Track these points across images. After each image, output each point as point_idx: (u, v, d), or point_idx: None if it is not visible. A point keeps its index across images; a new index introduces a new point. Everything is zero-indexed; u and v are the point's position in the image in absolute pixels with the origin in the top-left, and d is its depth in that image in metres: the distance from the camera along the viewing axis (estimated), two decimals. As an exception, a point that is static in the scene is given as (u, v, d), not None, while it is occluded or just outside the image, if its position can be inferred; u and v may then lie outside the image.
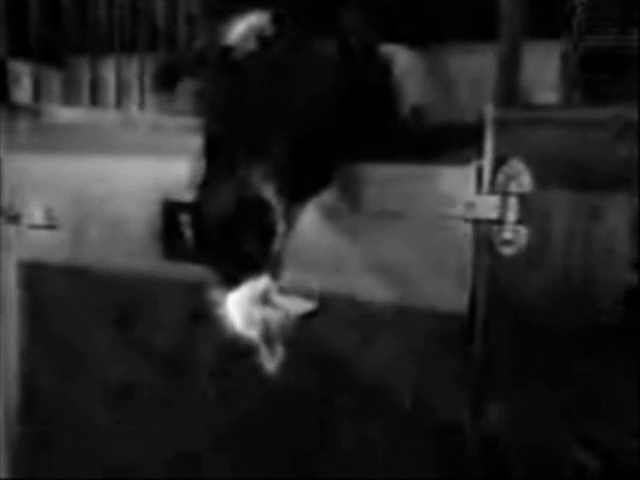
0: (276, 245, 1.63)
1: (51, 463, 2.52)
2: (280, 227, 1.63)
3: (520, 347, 1.79)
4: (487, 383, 1.83)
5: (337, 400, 2.02)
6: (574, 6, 1.88)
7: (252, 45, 1.83)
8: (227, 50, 1.85)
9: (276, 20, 1.86)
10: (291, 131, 1.73)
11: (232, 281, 1.62)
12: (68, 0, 2.94)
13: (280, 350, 1.64)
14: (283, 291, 1.64)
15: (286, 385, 2.04)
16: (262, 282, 1.63)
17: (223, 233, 1.59)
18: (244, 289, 1.62)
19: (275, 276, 1.66)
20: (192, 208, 1.63)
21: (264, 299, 1.62)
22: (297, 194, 1.73)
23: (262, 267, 1.62)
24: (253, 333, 1.63)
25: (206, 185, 1.63)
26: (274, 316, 1.62)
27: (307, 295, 1.67)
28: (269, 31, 1.85)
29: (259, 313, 1.62)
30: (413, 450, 1.93)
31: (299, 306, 1.64)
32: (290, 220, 1.70)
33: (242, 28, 1.86)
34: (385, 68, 2.09)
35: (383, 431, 1.97)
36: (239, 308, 1.62)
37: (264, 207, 1.60)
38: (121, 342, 2.34)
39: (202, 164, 1.66)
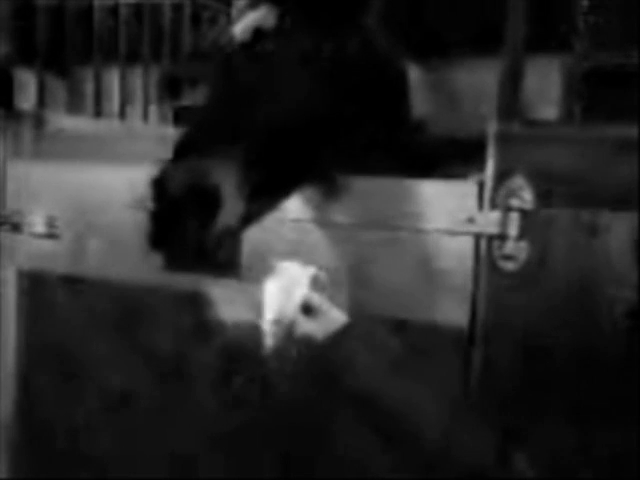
0: (226, 236, 1.62)
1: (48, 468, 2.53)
2: (228, 219, 1.60)
3: (519, 362, 1.79)
4: (485, 393, 1.83)
5: (334, 413, 2.02)
6: (577, 24, 1.89)
7: (247, 37, 1.85)
8: (230, 40, 1.87)
9: (281, 16, 1.87)
10: (264, 126, 1.71)
11: (173, 263, 1.63)
12: (73, 10, 2.96)
13: (292, 350, 1.63)
14: (318, 283, 1.61)
15: (288, 396, 2.05)
16: (301, 278, 1.61)
17: (170, 214, 1.58)
18: (282, 279, 1.60)
19: (233, 271, 1.66)
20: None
21: (305, 307, 1.60)
22: (264, 190, 1.72)
23: (202, 253, 1.61)
24: (277, 325, 1.61)
25: (169, 167, 1.61)
26: (307, 326, 1.60)
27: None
28: (268, 25, 1.86)
29: (291, 312, 1.60)
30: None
31: (333, 321, 1.62)
32: (251, 215, 1.70)
33: (247, 20, 1.88)
34: (402, 76, 2.09)
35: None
36: (274, 298, 1.60)
37: (211, 196, 1.58)
38: (120, 351, 2.34)
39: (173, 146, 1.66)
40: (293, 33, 1.85)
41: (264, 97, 1.75)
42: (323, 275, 1.62)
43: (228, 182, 1.58)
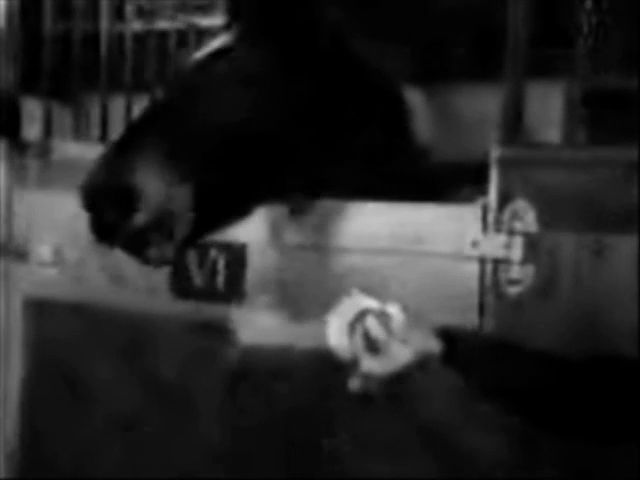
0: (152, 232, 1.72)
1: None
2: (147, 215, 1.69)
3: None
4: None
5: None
6: (578, 46, 1.89)
7: (205, 57, 1.90)
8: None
9: (238, 35, 1.91)
10: (203, 146, 1.78)
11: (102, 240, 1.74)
12: (79, 37, 2.98)
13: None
14: (386, 316, 1.57)
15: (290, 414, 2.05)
16: (358, 306, 1.58)
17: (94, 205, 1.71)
18: (344, 310, 1.58)
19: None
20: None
21: (368, 341, 1.56)
22: (213, 205, 1.80)
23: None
24: (345, 353, 1.58)
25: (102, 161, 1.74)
26: (369, 363, 1.56)
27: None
28: (227, 44, 1.90)
29: (353, 346, 1.56)
30: None
31: (396, 358, 1.57)
32: (201, 229, 1.81)
33: (215, 43, 1.92)
34: (394, 90, 2.09)
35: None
36: (335, 329, 1.58)
37: (127, 192, 1.68)
38: (126, 378, 2.35)
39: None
40: (246, 50, 1.88)
41: (206, 114, 1.80)
42: (393, 308, 1.57)
43: (147, 182, 1.69)
